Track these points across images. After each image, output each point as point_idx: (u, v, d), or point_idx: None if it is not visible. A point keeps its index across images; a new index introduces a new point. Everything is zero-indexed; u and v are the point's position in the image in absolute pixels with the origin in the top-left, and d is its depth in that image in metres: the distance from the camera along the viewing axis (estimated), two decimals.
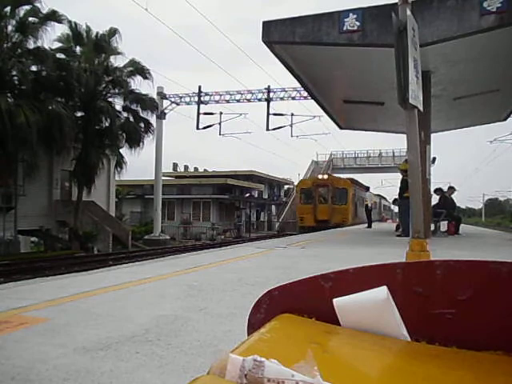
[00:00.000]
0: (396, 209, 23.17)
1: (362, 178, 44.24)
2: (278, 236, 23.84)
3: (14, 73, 18.67)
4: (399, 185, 12.76)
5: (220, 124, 27.60)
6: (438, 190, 13.72)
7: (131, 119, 23.19)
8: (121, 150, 23.56)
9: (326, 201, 26.26)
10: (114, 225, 23.12)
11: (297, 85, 16.27)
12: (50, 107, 18.81)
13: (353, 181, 29.67)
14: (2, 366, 1.86)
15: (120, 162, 23.97)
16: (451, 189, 14.14)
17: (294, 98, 26.64)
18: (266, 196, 47.05)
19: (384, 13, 7.98)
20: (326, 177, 27.33)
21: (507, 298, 0.66)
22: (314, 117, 26.56)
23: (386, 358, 0.65)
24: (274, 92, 26.91)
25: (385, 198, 49.20)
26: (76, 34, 21.60)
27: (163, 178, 31.73)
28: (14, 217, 19.65)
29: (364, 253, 7.14)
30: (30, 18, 19.11)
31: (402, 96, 3.50)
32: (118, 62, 22.88)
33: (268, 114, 26.44)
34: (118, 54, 22.70)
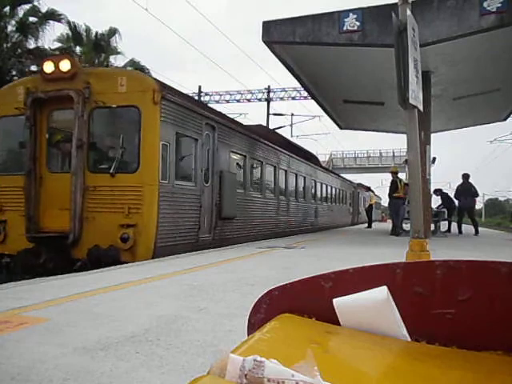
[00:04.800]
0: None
1: (362, 178, 43.82)
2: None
3: (14, 73, 18.67)
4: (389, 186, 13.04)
5: None
6: (437, 191, 13.74)
7: None
8: None
9: (65, 163, 7.22)
10: None
11: (297, 85, 16.29)
12: None
13: (176, 92, 7.61)
14: (3, 365, 1.86)
15: None
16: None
17: (294, 98, 26.69)
18: None
19: (384, 13, 7.98)
20: (66, 66, 6.75)
21: (507, 297, 0.66)
22: (314, 117, 26.56)
23: (386, 357, 0.65)
24: (274, 92, 26.97)
25: (371, 191, 35.48)
26: (75, 34, 21.62)
27: None
28: None
29: (364, 253, 7.14)
30: (30, 18, 19.13)
31: (402, 96, 3.50)
32: (117, 61, 22.92)
33: (268, 114, 26.45)
34: (118, 53, 22.73)
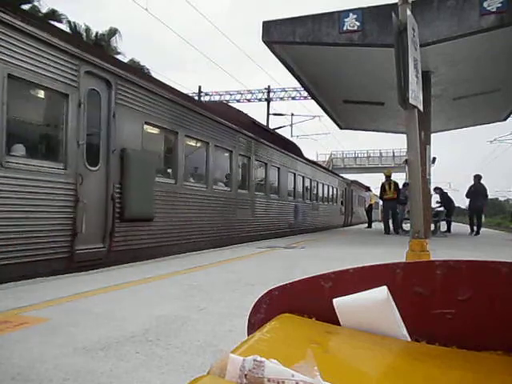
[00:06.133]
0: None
1: (361, 178, 43.86)
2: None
3: None
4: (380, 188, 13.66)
5: None
6: (437, 189, 13.89)
7: None
8: None
9: None
10: None
11: (297, 85, 16.30)
12: None
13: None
14: (3, 365, 1.86)
15: None
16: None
17: (294, 98, 26.75)
18: None
19: (384, 13, 7.99)
20: None
21: (507, 297, 0.66)
22: (314, 117, 26.60)
23: (386, 357, 0.65)
24: (274, 92, 27.04)
25: (366, 188, 32.50)
26: (76, 34, 21.66)
27: None
28: None
29: (364, 253, 7.14)
30: None
31: (402, 96, 3.51)
32: None
33: (268, 113, 26.48)
34: (118, 53, 22.75)
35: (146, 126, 6.56)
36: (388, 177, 13.42)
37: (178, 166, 7.39)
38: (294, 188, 14.38)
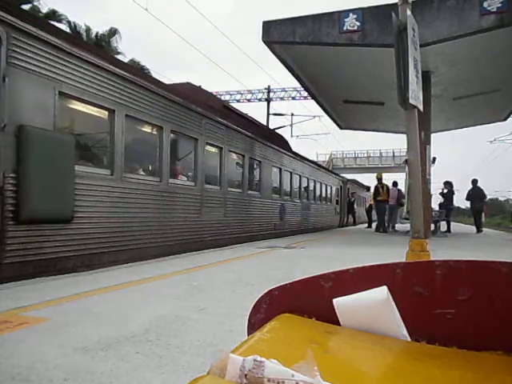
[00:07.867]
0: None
1: (361, 178, 43.87)
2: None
3: None
4: (373, 190, 14.87)
5: None
6: (447, 183, 14.17)
7: None
8: None
9: None
10: None
11: (297, 85, 16.31)
12: None
13: None
14: (3, 365, 1.86)
15: None
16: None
17: (294, 98, 26.77)
18: None
19: (384, 13, 8.00)
20: None
21: (507, 297, 0.66)
22: (314, 117, 26.60)
23: (386, 357, 0.65)
24: (274, 92, 27.05)
25: (366, 188, 30.72)
26: (76, 34, 21.67)
27: None
28: None
29: (364, 252, 7.14)
30: None
31: (402, 96, 3.50)
32: None
33: (268, 113, 26.49)
34: (118, 53, 22.77)
35: (61, 99, 4.98)
36: (380, 179, 14.31)
37: (115, 153, 5.92)
38: (280, 185, 13.14)
